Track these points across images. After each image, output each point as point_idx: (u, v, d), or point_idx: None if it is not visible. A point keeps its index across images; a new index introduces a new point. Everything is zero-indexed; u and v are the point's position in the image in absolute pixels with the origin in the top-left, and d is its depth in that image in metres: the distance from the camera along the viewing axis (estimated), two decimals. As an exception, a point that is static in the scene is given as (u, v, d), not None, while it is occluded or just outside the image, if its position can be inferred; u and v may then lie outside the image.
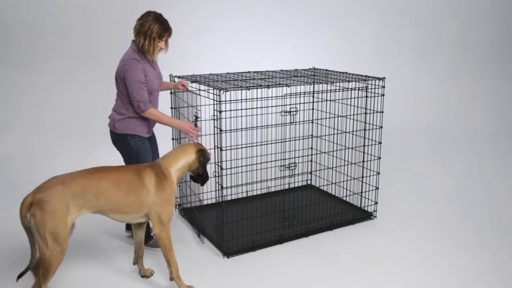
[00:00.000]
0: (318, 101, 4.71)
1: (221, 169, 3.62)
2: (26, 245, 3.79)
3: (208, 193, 4.65)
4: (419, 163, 6.02)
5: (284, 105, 3.91)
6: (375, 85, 4.11)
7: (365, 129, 4.21)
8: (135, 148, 3.46)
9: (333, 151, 4.46)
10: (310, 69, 4.80)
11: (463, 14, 7.82)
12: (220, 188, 3.70)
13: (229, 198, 4.63)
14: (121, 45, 3.71)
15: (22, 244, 3.82)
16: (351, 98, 4.22)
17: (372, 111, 4.19)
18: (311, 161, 4.98)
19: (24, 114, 5.83)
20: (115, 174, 2.86)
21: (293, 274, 3.42)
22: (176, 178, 3.04)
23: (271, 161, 4.53)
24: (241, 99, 3.76)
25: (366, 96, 4.15)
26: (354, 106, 4.24)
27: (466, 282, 3.34)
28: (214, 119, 3.65)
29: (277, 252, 3.73)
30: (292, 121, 3.93)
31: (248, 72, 4.47)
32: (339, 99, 4.36)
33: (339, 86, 4.24)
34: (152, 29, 3.27)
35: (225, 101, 3.59)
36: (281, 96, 3.94)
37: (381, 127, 4.25)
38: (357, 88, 4.12)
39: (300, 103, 4.06)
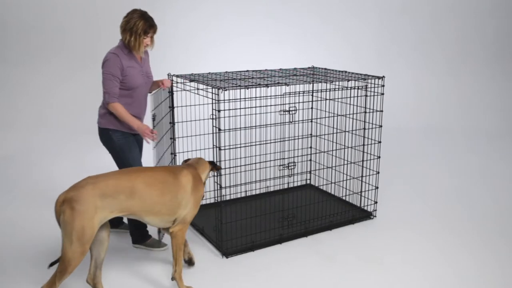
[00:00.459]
0: (317, 100, 4.70)
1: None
2: (24, 244, 3.78)
3: (207, 193, 4.63)
4: (419, 162, 6.01)
5: (283, 104, 3.89)
6: (374, 84, 4.09)
7: (364, 128, 4.20)
8: (118, 143, 3.52)
9: (332, 150, 4.45)
10: (309, 68, 4.79)
11: (463, 12, 7.80)
12: (218, 188, 3.68)
13: (228, 197, 4.61)
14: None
15: (22, 244, 3.81)
16: (350, 97, 4.21)
17: (371, 110, 4.17)
18: (311, 160, 4.97)
19: (24, 113, 5.81)
20: (148, 174, 2.88)
21: (293, 274, 3.41)
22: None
23: (270, 161, 4.51)
24: (240, 98, 3.74)
25: (366, 95, 4.13)
26: (353, 105, 4.23)
27: (467, 282, 3.32)
28: (212, 118, 3.64)
29: (276, 252, 3.71)
30: (291, 120, 3.92)
31: (247, 71, 4.46)
32: (338, 98, 4.34)
33: (339, 85, 4.23)
34: (138, 26, 3.38)
35: (224, 100, 3.57)
36: (280, 95, 3.93)
37: (381, 126, 4.23)
38: (356, 87, 4.11)
39: (299, 102, 4.04)
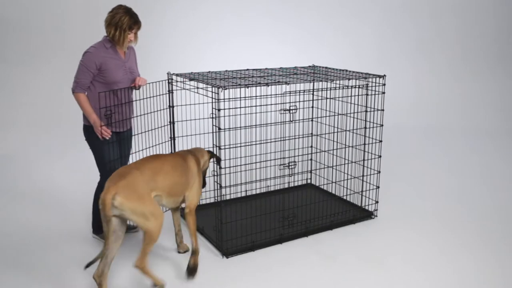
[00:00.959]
0: (318, 99, 4.67)
1: (220, 168, 3.58)
2: (24, 243, 3.76)
3: (206, 193, 4.61)
4: (420, 161, 5.99)
5: (284, 103, 3.86)
6: (375, 82, 4.08)
7: (365, 127, 4.18)
8: (97, 141, 3.56)
9: (333, 149, 4.42)
10: (309, 66, 4.76)
11: (464, 11, 7.77)
12: (218, 187, 3.66)
13: (228, 197, 4.59)
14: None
15: (21, 242, 3.79)
16: (351, 96, 4.19)
17: (372, 109, 4.15)
18: (311, 159, 4.95)
19: (23, 113, 5.79)
20: (170, 159, 3.22)
21: (293, 274, 3.39)
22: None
23: (271, 160, 4.49)
24: (240, 97, 3.72)
25: (367, 94, 4.11)
26: (354, 104, 4.20)
27: (468, 282, 3.30)
28: (212, 118, 3.62)
29: (277, 252, 3.69)
30: (291, 120, 3.90)
31: (247, 69, 4.43)
32: (339, 97, 4.32)
33: (339, 84, 4.21)
34: (123, 21, 3.45)
35: (224, 99, 3.55)
36: (281, 94, 3.90)
37: (382, 125, 4.21)
38: (357, 86, 4.08)
39: (299, 101, 4.01)
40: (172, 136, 4.18)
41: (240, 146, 3.99)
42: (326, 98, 4.50)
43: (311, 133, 4.83)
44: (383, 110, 4.16)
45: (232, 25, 6.51)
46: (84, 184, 5.05)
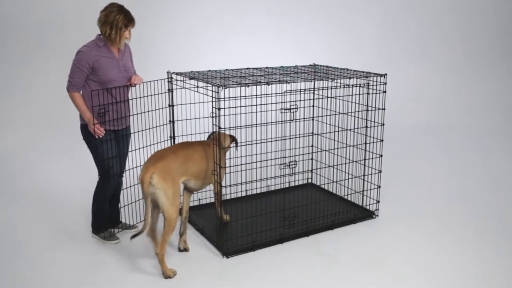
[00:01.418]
0: (318, 98, 4.66)
1: (220, 167, 3.56)
2: (24, 242, 3.75)
3: (207, 192, 4.59)
4: (421, 161, 5.96)
5: (284, 102, 3.85)
6: (376, 81, 4.06)
7: (366, 127, 4.16)
8: (94, 139, 3.55)
9: (334, 149, 4.40)
10: (310, 65, 4.74)
11: (465, 9, 7.74)
12: (219, 187, 3.64)
13: (228, 197, 4.58)
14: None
15: (21, 242, 3.77)
16: (352, 95, 4.17)
17: (373, 108, 4.13)
18: (312, 159, 4.93)
19: (23, 112, 5.78)
20: (200, 148, 3.53)
21: (294, 274, 3.37)
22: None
23: (271, 159, 4.47)
24: (240, 96, 3.70)
25: (368, 93, 4.09)
26: (355, 103, 4.19)
27: (470, 282, 3.28)
28: (212, 117, 3.60)
29: (277, 252, 3.68)
30: (292, 119, 3.88)
31: (247, 68, 4.41)
32: (340, 96, 4.30)
33: (340, 83, 4.18)
34: (118, 20, 3.44)
35: (224, 98, 3.53)
36: (281, 93, 3.88)
37: (383, 124, 4.19)
38: (358, 85, 4.06)
39: (300, 100, 4.00)
40: (172, 135, 4.16)
41: (240, 146, 3.98)
42: (327, 97, 4.49)
43: (312, 132, 4.81)
44: (384, 109, 4.14)
45: (233, 23, 6.48)
46: (84, 184, 5.03)
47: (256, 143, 4.13)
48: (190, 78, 3.82)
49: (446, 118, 7.45)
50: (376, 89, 4.06)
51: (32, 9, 5.63)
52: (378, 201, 4.31)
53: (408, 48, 7.55)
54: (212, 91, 3.48)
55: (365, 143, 4.20)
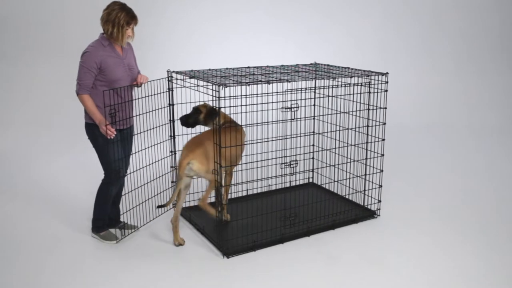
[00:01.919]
0: (319, 97, 4.63)
1: (221, 167, 3.54)
2: (23, 242, 3.73)
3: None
4: (423, 160, 5.94)
5: (285, 101, 3.82)
6: (378, 80, 4.04)
7: (368, 126, 4.13)
8: (100, 138, 3.54)
9: (335, 148, 4.38)
10: (311, 64, 4.72)
11: (467, 8, 7.71)
12: (219, 186, 3.62)
13: (229, 196, 4.55)
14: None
15: (20, 241, 3.76)
16: (353, 94, 4.15)
17: (375, 107, 4.11)
18: (313, 158, 4.90)
19: (22, 111, 5.76)
20: (238, 134, 3.77)
21: (295, 274, 3.35)
22: None
23: (272, 159, 4.45)
24: (241, 95, 3.68)
25: (369, 92, 4.07)
26: (356, 102, 4.16)
27: (472, 282, 3.26)
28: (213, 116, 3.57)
29: (278, 252, 3.66)
30: (293, 118, 3.86)
31: (248, 67, 4.39)
32: (341, 95, 4.28)
33: (341, 82, 4.16)
34: (120, 17, 3.43)
35: (224, 97, 3.52)
36: (282, 92, 3.86)
37: (384, 123, 4.17)
38: (359, 84, 4.04)
39: (301, 99, 3.97)
40: (172, 135, 4.14)
41: (241, 145, 3.95)
42: (328, 96, 4.46)
43: (313, 132, 4.78)
44: (385, 108, 4.12)
45: (233, 22, 6.45)
46: (84, 182, 5.02)
47: (256, 143, 4.10)
48: (190, 77, 3.80)
49: (448, 117, 7.42)
50: (377, 88, 4.04)
51: (32, 7, 5.61)
52: (379, 201, 4.29)
53: (409, 46, 7.52)
54: (213, 90, 3.46)
55: (367, 142, 4.18)
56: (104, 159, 3.62)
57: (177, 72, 3.99)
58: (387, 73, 4.07)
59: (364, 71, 4.16)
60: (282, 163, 3.92)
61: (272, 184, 4.76)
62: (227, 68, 4.33)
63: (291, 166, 3.92)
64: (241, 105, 3.80)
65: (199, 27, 6.28)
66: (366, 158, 4.21)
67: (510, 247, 3.76)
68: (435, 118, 7.37)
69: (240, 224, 3.94)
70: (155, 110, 3.94)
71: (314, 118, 4.76)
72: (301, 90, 3.83)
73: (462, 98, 7.71)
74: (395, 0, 7.38)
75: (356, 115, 4.23)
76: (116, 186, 3.72)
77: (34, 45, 5.68)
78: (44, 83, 5.78)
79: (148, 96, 3.82)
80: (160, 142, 4.15)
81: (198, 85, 3.81)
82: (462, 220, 4.25)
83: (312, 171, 4.95)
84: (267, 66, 4.46)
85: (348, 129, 4.27)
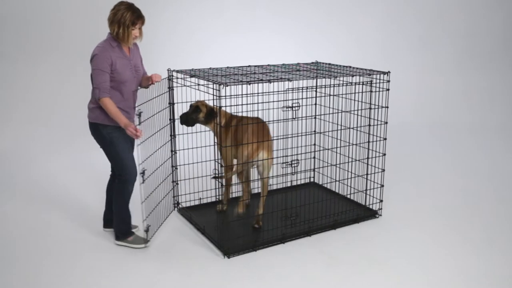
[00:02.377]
0: (321, 96, 4.61)
1: (221, 166, 3.52)
2: (23, 241, 3.71)
3: (208, 192, 4.55)
4: (425, 159, 5.91)
5: (286, 100, 3.80)
6: (380, 79, 4.01)
7: (369, 125, 4.11)
8: (109, 137, 3.49)
9: (336, 147, 4.36)
10: (312, 63, 4.70)
11: (470, 6, 7.67)
12: (220, 186, 3.60)
13: (230, 196, 4.52)
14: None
15: (20, 241, 3.74)
16: (355, 93, 4.12)
17: (376, 106, 4.09)
18: (314, 158, 4.88)
19: (20, 109, 5.74)
20: (262, 126, 3.87)
21: (296, 274, 3.33)
22: None
23: (273, 158, 4.41)
24: (242, 94, 3.66)
25: (371, 91, 4.05)
26: (358, 101, 4.14)
27: (474, 282, 3.24)
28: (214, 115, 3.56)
29: (279, 251, 3.64)
30: (294, 117, 3.84)
31: (249, 66, 4.38)
32: (342, 94, 4.26)
33: (343, 81, 4.14)
34: (125, 17, 3.39)
35: (225, 96, 3.50)
36: (283, 91, 3.84)
37: (386, 122, 4.14)
38: (361, 83, 4.02)
39: (302, 98, 3.94)
40: (173, 134, 4.12)
41: (242, 144, 3.93)
42: (330, 95, 4.44)
43: (314, 131, 4.76)
44: (387, 107, 4.10)
45: (234, 20, 6.43)
46: (84, 182, 5.00)
47: (257, 142, 4.07)
48: (191, 76, 3.78)
49: (450, 116, 7.39)
50: (379, 87, 4.02)
51: (31, 5, 5.59)
52: (381, 200, 4.27)
53: (411, 45, 7.48)
54: (213, 89, 3.44)
55: (368, 142, 4.16)
56: (113, 159, 3.56)
57: (177, 71, 3.98)
58: (389, 72, 4.04)
59: (365, 70, 4.13)
60: (283, 163, 3.90)
61: (273, 184, 4.73)
62: (227, 67, 4.31)
63: (292, 165, 3.90)
64: (242, 104, 3.78)
65: (199, 26, 6.26)
66: (368, 158, 4.19)
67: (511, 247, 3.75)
68: (437, 117, 7.34)
69: (241, 224, 3.92)
70: (157, 113, 3.87)
71: (315, 117, 4.74)
72: (302, 89, 3.81)
73: (464, 97, 7.67)
74: (397, -2, 7.35)
75: (357, 114, 4.21)
76: (133, 183, 3.64)
77: (33, 43, 5.65)
78: (43, 82, 5.76)
79: (152, 98, 3.74)
80: (164, 144, 4.08)
81: (198, 84, 3.79)
82: (464, 220, 4.22)
83: (314, 170, 4.93)
84: (268, 65, 4.44)
85: (349, 128, 4.25)
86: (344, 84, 4.13)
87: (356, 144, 4.22)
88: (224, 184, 3.99)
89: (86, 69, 5.78)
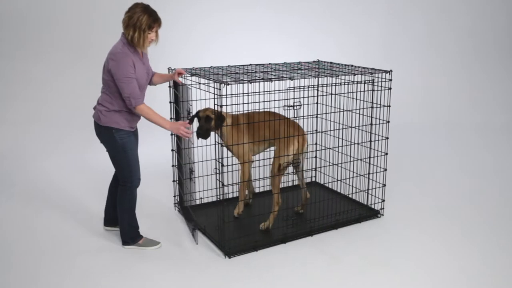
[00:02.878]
0: (322, 95, 4.59)
1: (222, 165, 3.50)
2: (23, 241, 3.70)
3: (208, 191, 4.53)
4: (427, 159, 5.89)
5: (288, 99, 3.78)
6: (382, 78, 3.99)
7: (371, 124, 4.09)
8: (121, 142, 3.42)
9: (338, 146, 4.34)
10: (314, 61, 4.68)
11: (474, 4, 7.63)
12: (221, 186, 3.59)
13: (230, 196, 4.52)
14: (118, 38, 3.61)
15: (20, 241, 3.73)
16: (357, 92, 4.10)
17: (378, 105, 4.06)
18: (316, 157, 4.86)
19: (19, 109, 5.73)
20: (293, 123, 3.91)
21: (297, 274, 3.31)
22: None
23: (274, 158, 4.39)
24: (243, 93, 3.64)
25: (373, 90, 4.03)
26: (360, 100, 4.12)
27: (476, 282, 3.22)
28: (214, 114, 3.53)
29: (280, 252, 3.63)
30: (295, 116, 3.82)
31: (250, 65, 4.35)
32: (344, 93, 4.24)
33: (345, 79, 4.12)
34: (141, 21, 3.24)
35: (226, 95, 3.48)
36: (284, 89, 3.81)
37: (388, 121, 4.12)
38: (363, 81, 4.00)
39: (304, 97, 3.92)
40: (173, 133, 4.10)
41: (243, 144, 3.91)
42: (331, 94, 4.42)
43: (316, 130, 4.74)
44: (389, 106, 4.08)
45: (235, 19, 6.40)
46: (83, 182, 4.99)
47: (258, 141, 4.06)
48: (192, 75, 3.76)
49: (453, 115, 7.36)
50: (381, 86, 4.00)
51: (29, 3, 5.57)
52: (383, 200, 4.25)
53: (414, 43, 7.46)
54: (214, 88, 3.42)
55: (370, 141, 4.13)
56: (120, 164, 3.48)
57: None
58: (391, 70, 4.02)
59: (367, 68, 4.11)
60: (284, 162, 3.88)
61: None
62: (228, 66, 4.29)
63: (294, 165, 3.88)
64: (243, 103, 3.76)
65: (200, 24, 6.24)
66: (370, 157, 4.16)
67: (516, 247, 3.72)
68: (440, 116, 7.32)
69: (242, 224, 3.91)
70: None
71: (317, 116, 4.72)
72: (303, 88, 3.79)
73: (466, 96, 7.65)
74: (399, -4, 7.32)
75: (359, 113, 4.18)
76: (137, 187, 3.60)
77: (30, 42, 5.64)
78: (43, 81, 5.74)
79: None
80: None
81: (199, 83, 3.78)
82: (467, 220, 4.20)
83: (315, 170, 4.91)
84: (269, 64, 4.42)
85: (351, 127, 4.23)
86: (346, 83, 4.11)
87: (358, 144, 4.20)
88: (243, 180, 3.97)
89: (85, 67, 5.82)
